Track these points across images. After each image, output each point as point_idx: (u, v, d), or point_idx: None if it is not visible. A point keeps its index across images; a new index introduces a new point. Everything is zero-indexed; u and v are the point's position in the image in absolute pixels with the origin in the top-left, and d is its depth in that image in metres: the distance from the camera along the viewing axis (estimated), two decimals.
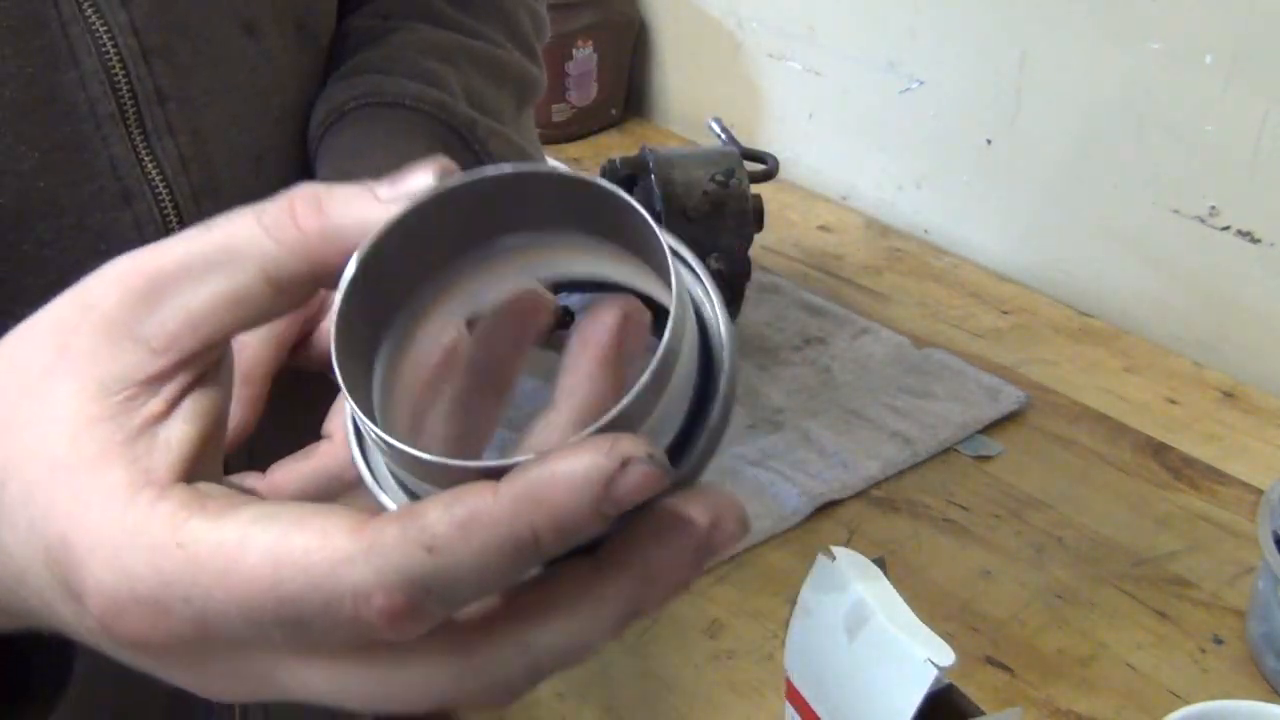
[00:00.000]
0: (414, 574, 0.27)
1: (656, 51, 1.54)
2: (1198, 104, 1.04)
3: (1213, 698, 0.63)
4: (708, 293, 0.32)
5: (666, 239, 0.31)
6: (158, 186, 0.52)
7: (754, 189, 1.02)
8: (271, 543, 0.28)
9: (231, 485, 0.32)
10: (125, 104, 0.50)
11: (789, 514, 0.86)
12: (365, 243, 0.30)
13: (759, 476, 0.89)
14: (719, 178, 1.00)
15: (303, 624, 0.28)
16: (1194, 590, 0.80)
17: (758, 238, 1.03)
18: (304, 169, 0.60)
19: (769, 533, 0.84)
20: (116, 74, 0.50)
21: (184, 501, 0.29)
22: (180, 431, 0.31)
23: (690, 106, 1.50)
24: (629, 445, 0.27)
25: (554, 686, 0.73)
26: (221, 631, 0.29)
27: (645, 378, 0.29)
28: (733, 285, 1.01)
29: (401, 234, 0.31)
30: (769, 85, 1.42)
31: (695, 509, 0.29)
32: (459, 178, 0.31)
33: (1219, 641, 0.76)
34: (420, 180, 0.31)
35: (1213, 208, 1.06)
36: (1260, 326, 1.05)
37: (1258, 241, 1.04)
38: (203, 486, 0.30)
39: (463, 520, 0.27)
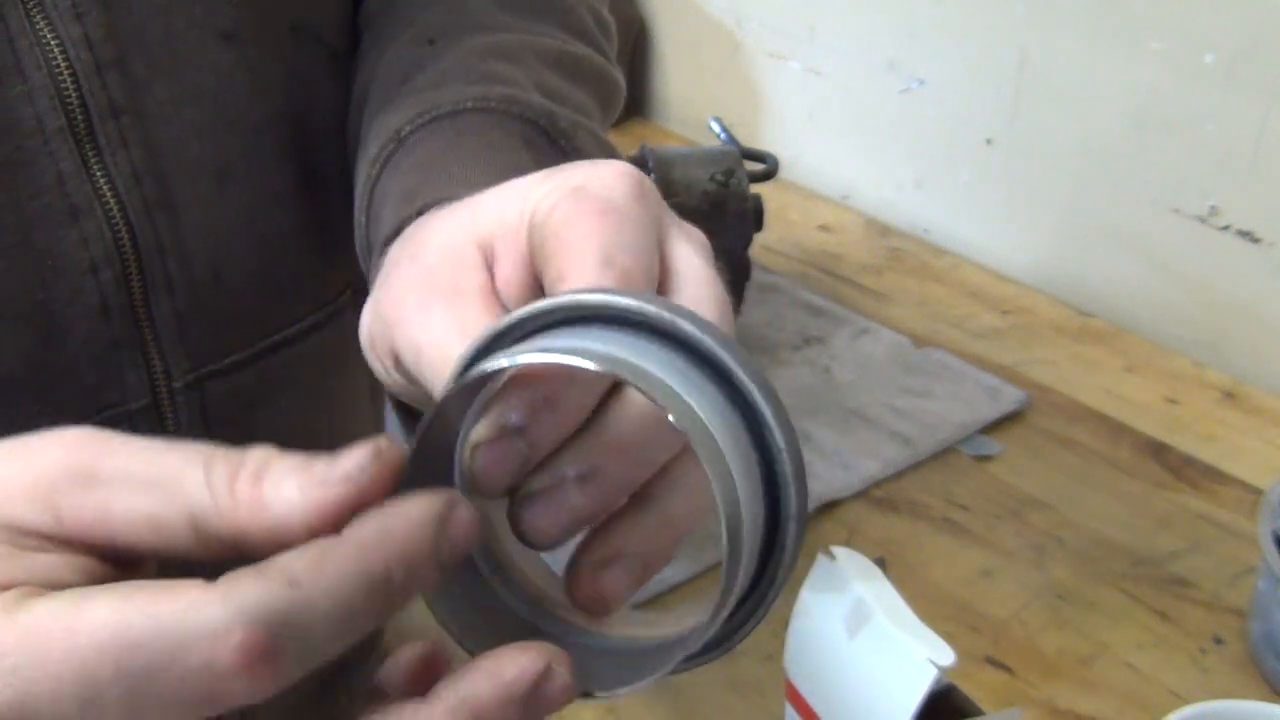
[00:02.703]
0: (274, 606, 0.27)
1: (656, 51, 1.54)
2: (1198, 104, 1.04)
3: (1213, 698, 0.63)
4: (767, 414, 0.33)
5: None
6: (108, 202, 0.50)
7: (754, 189, 1.02)
8: (114, 599, 0.27)
9: None
10: (75, 118, 0.49)
11: None
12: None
13: None
14: (719, 177, 1.00)
15: (149, 677, 0.27)
16: (1194, 590, 0.80)
17: (758, 237, 1.03)
18: (285, 178, 0.57)
19: None
20: (67, 88, 0.49)
21: (34, 591, 0.28)
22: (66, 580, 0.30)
23: (690, 106, 1.50)
24: (451, 494, 0.30)
25: None
26: (45, 712, 0.27)
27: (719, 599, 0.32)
28: (733, 285, 1.01)
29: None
30: (769, 85, 1.42)
31: (525, 659, 0.30)
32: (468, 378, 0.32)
33: (1219, 641, 0.76)
34: (354, 461, 0.30)
35: (1213, 208, 1.06)
36: (1260, 326, 1.05)
37: (1258, 241, 1.04)
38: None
39: (317, 558, 0.28)
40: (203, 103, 0.53)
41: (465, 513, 0.30)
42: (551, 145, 0.49)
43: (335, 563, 0.28)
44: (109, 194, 0.50)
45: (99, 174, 0.50)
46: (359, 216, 0.51)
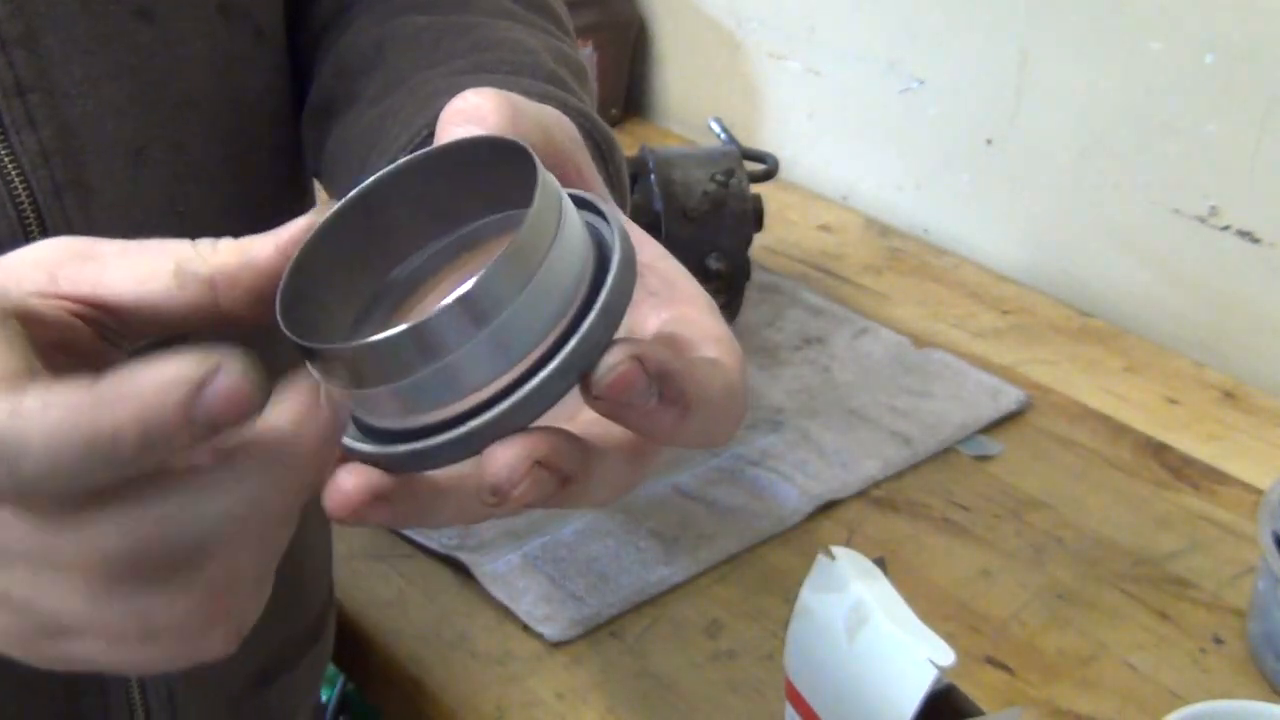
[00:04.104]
0: None
1: (656, 51, 1.54)
2: (1198, 104, 1.04)
3: (1213, 698, 0.63)
4: (614, 232, 0.34)
5: (571, 193, 0.34)
6: (13, 182, 0.50)
7: (754, 189, 1.02)
8: None
9: None
10: None
11: (789, 514, 0.86)
12: (327, 213, 0.35)
13: (759, 476, 0.89)
14: (719, 178, 1.00)
15: None
16: (1194, 590, 0.80)
17: (758, 238, 1.03)
18: (208, 157, 0.57)
19: (769, 533, 0.84)
20: None
21: None
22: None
23: (690, 106, 1.50)
24: (226, 355, 0.29)
25: (554, 687, 0.73)
26: None
27: (496, 257, 0.30)
28: (733, 285, 1.01)
29: (362, 213, 0.35)
30: (769, 85, 1.42)
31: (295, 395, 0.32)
32: (403, 161, 0.35)
33: (1219, 641, 0.76)
34: (303, 222, 0.35)
35: (1213, 208, 1.06)
36: (1260, 326, 1.05)
37: (1258, 241, 1.04)
38: None
39: (49, 400, 0.29)
40: (119, 80, 0.52)
41: (233, 382, 0.29)
42: (602, 164, 0.52)
43: (61, 408, 0.28)
44: (14, 173, 0.50)
45: (3, 153, 0.50)
46: (398, 157, 0.52)
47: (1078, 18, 1.11)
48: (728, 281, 1.00)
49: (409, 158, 0.35)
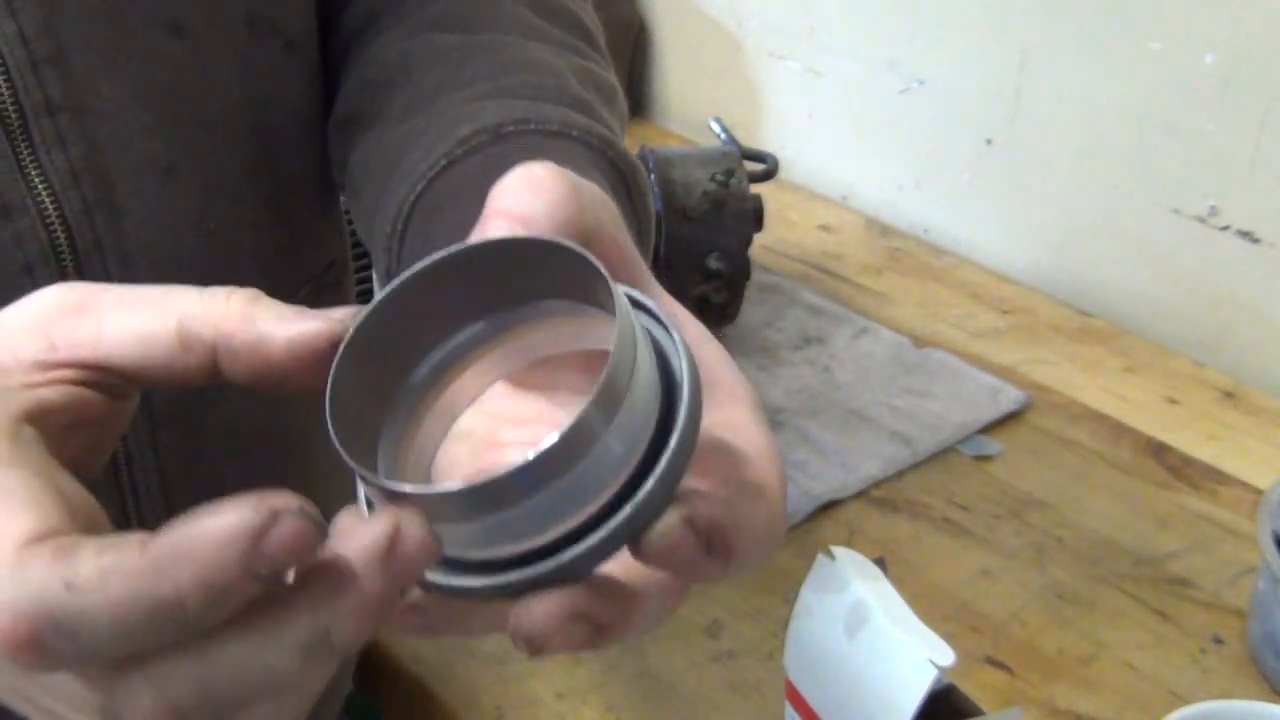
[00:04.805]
0: (45, 607, 0.27)
1: (656, 51, 1.54)
2: (1198, 104, 1.04)
3: (1213, 698, 0.63)
4: (676, 345, 0.32)
5: (626, 292, 0.32)
6: (43, 201, 0.49)
7: (754, 189, 1.03)
8: None
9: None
10: (9, 116, 0.48)
11: (789, 514, 0.86)
12: (365, 309, 0.32)
13: None
14: (719, 178, 1.00)
15: None
16: (1194, 590, 0.80)
17: (758, 238, 1.03)
18: (237, 172, 0.56)
19: None
20: None
21: None
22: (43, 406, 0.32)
23: (690, 106, 1.50)
24: (280, 499, 0.27)
25: (554, 687, 0.73)
26: None
27: (587, 402, 0.29)
28: (733, 285, 1.01)
29: (405, 300, 0.33)
30: (769, 85, 1.42)
31: (372, 523, 0.29)
32: (455, 248, 0.33)
33: (1219, 641, 0.76)
34: (323, 327, 0.32)
35: (1213, 208, 1.06)
36: (1260, 326, 1.05)
37: (1258, 241, 1.04)
38: None
39: (105, 568, 0.27)
40: (150, 98, 0.52)
41: (288, 527, 0.27)
42: (627, 197, 0.51)
43: (121, 581, 0.27)
44: (44, 193, 0.49)
45: (34, 173, 0.49)
46: (418, 185, 0.50)
47: (1078, 18, 1.11)
48: (728, 281, 1.00)
49: (449, 252, 0.33)
